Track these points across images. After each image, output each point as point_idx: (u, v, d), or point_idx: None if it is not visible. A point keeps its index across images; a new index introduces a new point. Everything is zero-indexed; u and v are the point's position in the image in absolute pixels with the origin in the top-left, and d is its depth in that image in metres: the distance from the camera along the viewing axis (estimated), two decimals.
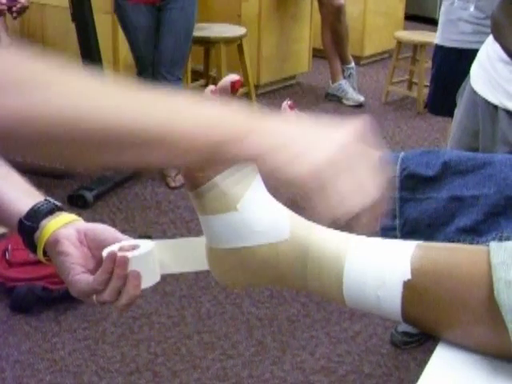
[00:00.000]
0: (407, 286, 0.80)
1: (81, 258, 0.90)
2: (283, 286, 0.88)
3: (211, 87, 0.83)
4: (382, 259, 0.82)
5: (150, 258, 0.91)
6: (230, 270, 0.88)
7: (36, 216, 0.93)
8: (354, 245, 0.84)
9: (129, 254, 0.88)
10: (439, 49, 2.81)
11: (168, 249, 0.94)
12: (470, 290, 0.78)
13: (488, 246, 0.80)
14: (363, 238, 0.86)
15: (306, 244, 0.85)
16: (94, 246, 0.92)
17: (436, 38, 2.85)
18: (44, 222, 0.93)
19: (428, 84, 4.84)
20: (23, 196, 0.96)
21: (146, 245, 0.91)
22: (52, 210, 0.94)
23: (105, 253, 0.89)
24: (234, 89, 0.83)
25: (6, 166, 0.99)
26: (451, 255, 0.82)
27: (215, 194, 0.85)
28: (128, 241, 0.92)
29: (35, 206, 0.94)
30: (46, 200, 0.96)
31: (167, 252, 0.94)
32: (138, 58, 3.61)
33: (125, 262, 0.87)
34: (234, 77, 0.83)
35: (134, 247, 0.90)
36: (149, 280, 0.92)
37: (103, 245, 0.91)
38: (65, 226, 0.93)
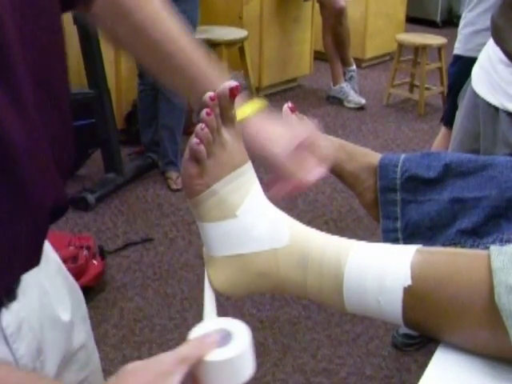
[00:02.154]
0: (407, 291, 0.80)
1: None
2: (283, 293, 0.88)
3: (210, 94, 0.83)
4: (382, 265, 0.82)
5: (243, 356, 0.71)
6: (230, 278, 0.88)
7: None
8: (353, 250, 0.84)
9: (210, 358, 0.68)
10: (460, 59, 2.74)
11: None
12: (471, 295, 0.78)
13: (488, 249, 0.80)
14: (363, 243, 0.86)
15: (305, 250, 0.85)
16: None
17: (455, 49, 2.80)
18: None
19: (428, 86, 4.87)
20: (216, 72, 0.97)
21: (237, 335, 0.71)
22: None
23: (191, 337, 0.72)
24: (232, 95, 0.83)
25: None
26: (451, 260, 0.82)
27: (214, 201, 0.84)
28: (217, 321, 0.76)
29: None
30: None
31: None
32: None
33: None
34: (232, 83, 0.83)
35: (224, 336, 0.71)
36: (240, 377, 0.72)
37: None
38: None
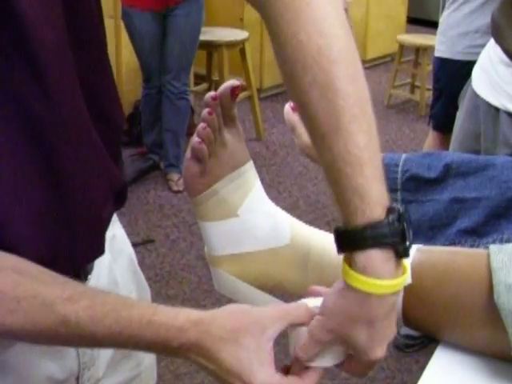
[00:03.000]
0: (408, 290, 0.80)
1: None
2: (284, 292, 0.88)
3: (211, 94, 0.83)
4: None
5: None
6: (231, 277, 0.88)
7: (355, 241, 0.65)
8: None
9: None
10: (447, 62, 2.63)
11: None
12: (470, 294, 0.78)
13: (488, 248, 0.80)
14: None
15: (306, 249, 0.85)
16: None
17: (440, 52, 2.69)
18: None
19: (429, 87, 4.86)
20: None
21: None
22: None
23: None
24: (233, 95, 0.83)
25: None
26: (451, 259, 0.82)
27: (216, 200, 0.85)
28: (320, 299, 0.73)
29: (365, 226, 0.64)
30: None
31: None
32: (144, 65, 3.60)
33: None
34: (233, 82, 0.83)
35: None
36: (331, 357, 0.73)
37: None
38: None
